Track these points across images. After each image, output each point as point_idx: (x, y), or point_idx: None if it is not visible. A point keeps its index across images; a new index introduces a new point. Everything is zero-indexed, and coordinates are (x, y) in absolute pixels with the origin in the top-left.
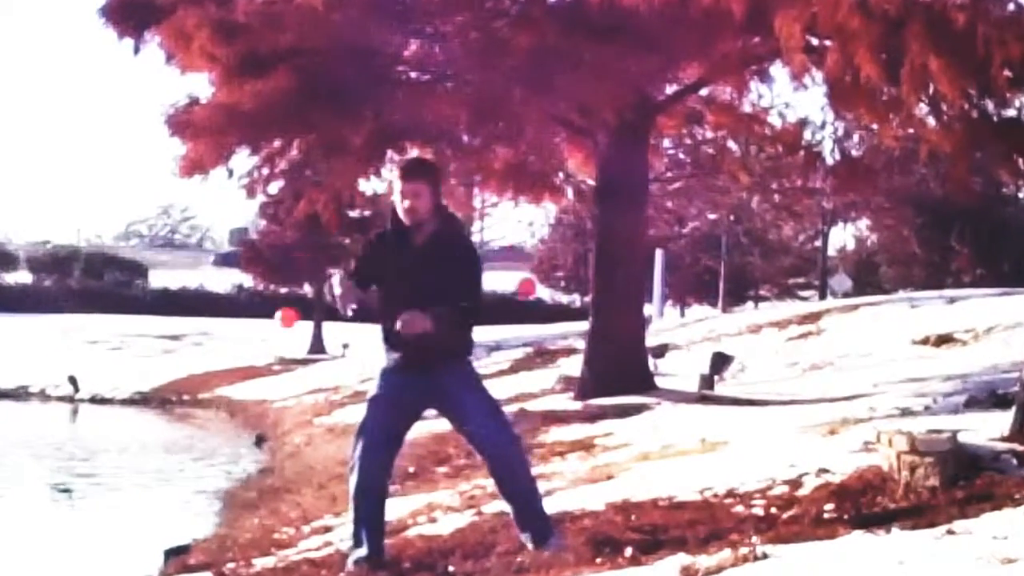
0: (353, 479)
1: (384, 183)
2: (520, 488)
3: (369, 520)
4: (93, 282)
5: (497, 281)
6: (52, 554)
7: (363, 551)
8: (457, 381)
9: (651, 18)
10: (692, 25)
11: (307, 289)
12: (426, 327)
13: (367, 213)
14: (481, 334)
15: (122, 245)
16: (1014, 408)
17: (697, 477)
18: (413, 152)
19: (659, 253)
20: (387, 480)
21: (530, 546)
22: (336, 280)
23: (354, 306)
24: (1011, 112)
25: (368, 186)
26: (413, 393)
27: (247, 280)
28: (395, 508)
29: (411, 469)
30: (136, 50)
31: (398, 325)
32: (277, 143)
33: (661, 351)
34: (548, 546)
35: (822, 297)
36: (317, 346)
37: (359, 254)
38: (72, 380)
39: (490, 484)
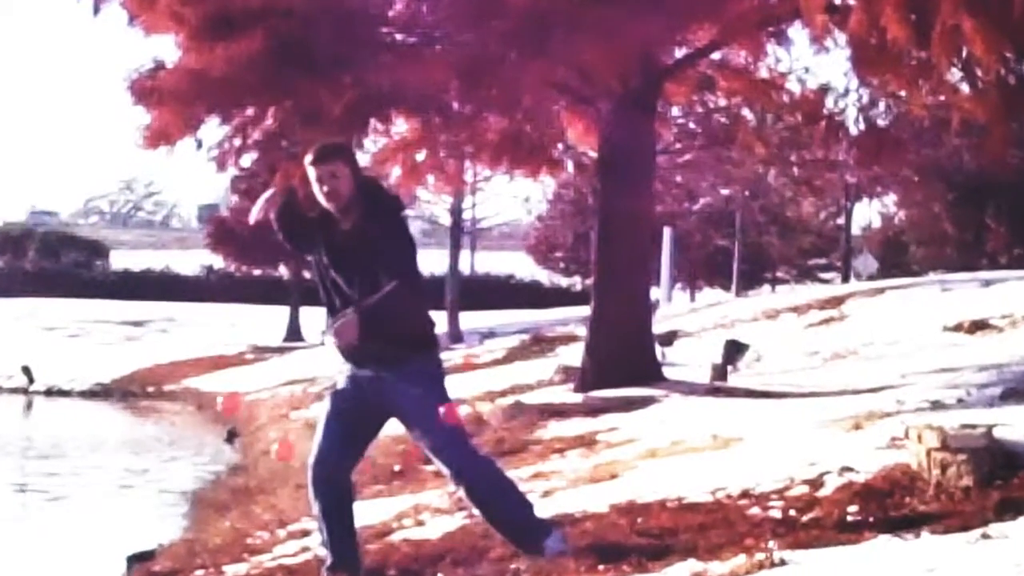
0: (312, 489)
1: (366, 156)
2: (494, 510)
3: (332, 527)
4: (48, 263)
5: (491, 263)
6: (4, 561)
7: (335, 565)
8: (403, 378)
9: None
10: None
11: (282, 271)
12: (353, 338)
13: None
14: (474, 320)
15: (80, 223)
16: None
17: (709, 476)
18: (399, 121)
19: (667, 231)
20: (347, 481)
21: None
22: (268, 195)
23: (260, 217)
24: None
25: None
26: (373, 391)
27: (217, 261)
28: (379, 510)
29: (396, 467)
30: (96, 10)
31: (331, 335)
32: (250, 112)
33: (669, 339)
34: (545, 550)
35: (845, 280)
36: (293, 333)
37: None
38: (26, 371)
39: None
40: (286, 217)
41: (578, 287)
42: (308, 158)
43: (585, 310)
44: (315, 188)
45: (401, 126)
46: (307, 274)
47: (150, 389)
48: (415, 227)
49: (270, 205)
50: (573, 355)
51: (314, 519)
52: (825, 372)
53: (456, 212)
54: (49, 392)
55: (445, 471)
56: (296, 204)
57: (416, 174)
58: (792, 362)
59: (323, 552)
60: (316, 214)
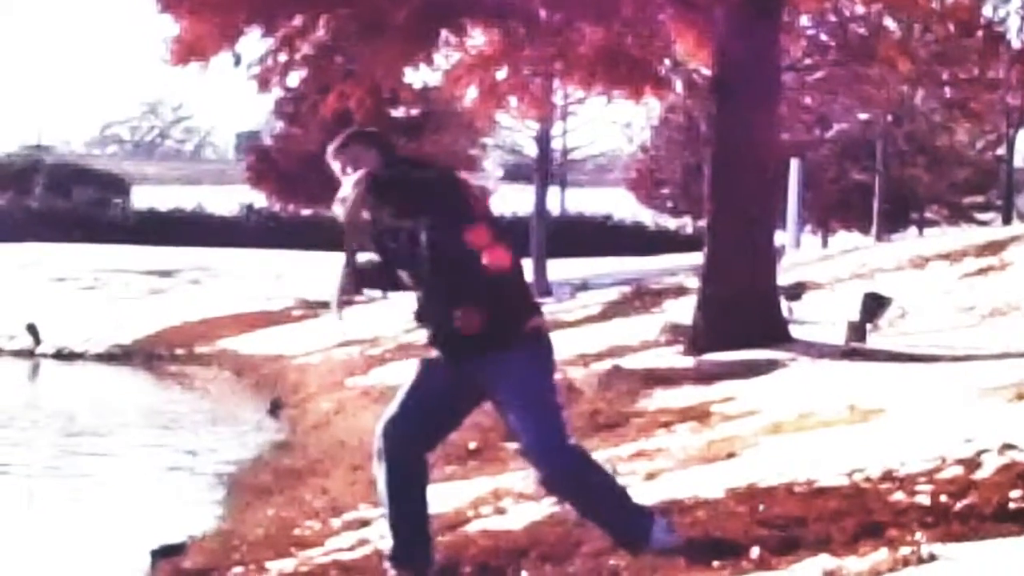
0: (376, 460)
1: (437, 71)
2: (588, 507)
3: (398, 508)
4: (59, 202)
5: (585, 202)
6: (4, 554)
7: (398, 554)
8: (496, 370)
9: None
10: None
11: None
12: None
13: (415, 112)
14: (565, 269)
15: (96, 154)
16: None
17: (844, 455)
18: (475, 33)
19: (795, 164)
20: (417, 459)
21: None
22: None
23: (348, 304)
24: None
25: (415, 77)
26: (468, 369)
27: (259, 199)
28: (452, 495)
29: (472, 445)
30: None
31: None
32: (298, 21)
33: (797, 292)
34: (651, 544)
35: (1006, 222)
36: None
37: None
38: (31, 329)
39: None
40: (365, 282)
41: (689, 230)
42: (328, 151)
43: (697, 257)
44: (346, 184)
45: (478, 38)
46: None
47: (179, 351)
48: (494, 158)
49: (348, 292)
50: (683, 311)
51: (375, 504)
52: (983, 331)
53: (543, 141)
54: (59, 355)
55: (533, 472)
56: (360, 269)
57: (495, 96)
58: (943, 319)
59: (387, 545)
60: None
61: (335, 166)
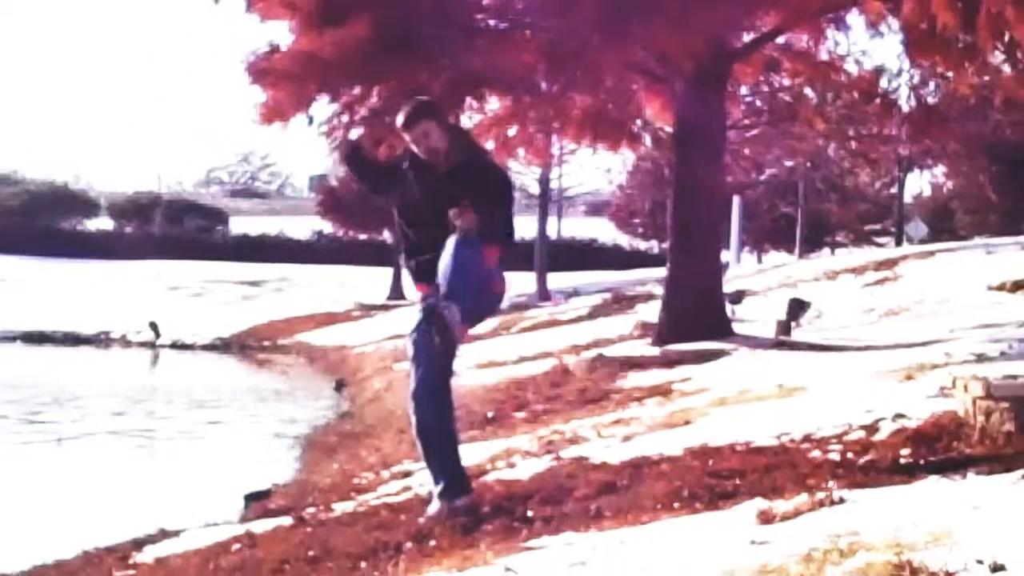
0: (413, 421)
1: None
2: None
3: (439, 457)
4: (174, 229)
5: (576, 228)
6: (133, 499)
7: (440, 487)
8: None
9: None
10: None
11: (386, 235)
12: (462, 332)
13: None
14: (561, 280)
15: (202, 192)
16: None
17: (774, 422)
18: (492, 99)
19: (736, 200)
20: (444, 416)
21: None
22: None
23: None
24: None
25: None
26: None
27: (327, 226)
28: (474, 453)
29: (490, 414)
30: None
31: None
32: (356, 90)
33: (738, 297)
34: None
35: (898, 243)
36: (397, 292)
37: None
38: (153, 326)
39: (568, 429)
40: (354, 160)
41: (655, 250)
42: (399, 122)
43: (662, 271)
44: (413, 148)
45: (494, 104)
46: None
47: (266, 343)
48: None
49: (342, 148)
50: (651, 312)
51: (416, 459)
52: (880, 327)
53: (544, 182)
54: (174, 345)
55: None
56: (364, 149)
57: (508, 147)
58: (850, 318)
59: (425, 491)
60: (407, 169)
61: (405, 137)
